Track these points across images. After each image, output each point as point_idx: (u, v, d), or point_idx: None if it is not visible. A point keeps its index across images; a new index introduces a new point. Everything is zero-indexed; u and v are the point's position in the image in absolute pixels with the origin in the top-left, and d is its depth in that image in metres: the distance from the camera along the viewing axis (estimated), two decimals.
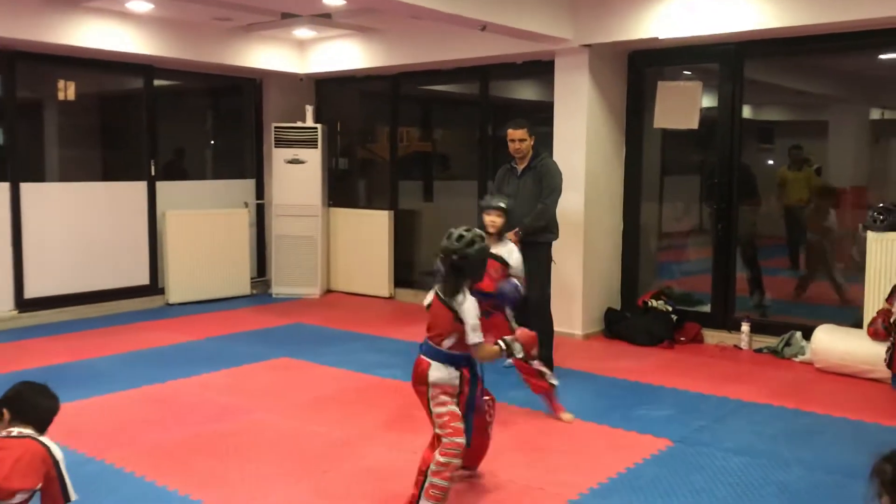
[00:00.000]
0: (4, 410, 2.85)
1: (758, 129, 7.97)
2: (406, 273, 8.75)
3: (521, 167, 5.62)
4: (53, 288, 7.43)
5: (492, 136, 7.99)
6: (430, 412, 3.41)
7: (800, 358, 6.02)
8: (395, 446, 4.22)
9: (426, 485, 3.29)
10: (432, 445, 3.43)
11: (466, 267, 3.38)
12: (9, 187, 7.12)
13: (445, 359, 3.38)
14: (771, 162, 7.90)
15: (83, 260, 7.64)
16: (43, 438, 2.83)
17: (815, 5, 5.50)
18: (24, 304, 7.24)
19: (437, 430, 3.38)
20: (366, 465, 3.96)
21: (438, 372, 3.37)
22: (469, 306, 3.34)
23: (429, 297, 3.53)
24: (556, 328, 5.76)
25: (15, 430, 2.81)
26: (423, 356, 3.43)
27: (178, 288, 8.21)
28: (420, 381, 3.42)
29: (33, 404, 2.91)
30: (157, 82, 8.16)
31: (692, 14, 5.99)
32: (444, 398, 3.37)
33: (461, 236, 3.40)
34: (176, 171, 8.68)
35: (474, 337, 3.33)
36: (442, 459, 3.29)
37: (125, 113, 8.68)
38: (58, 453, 2.81)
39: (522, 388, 5.27)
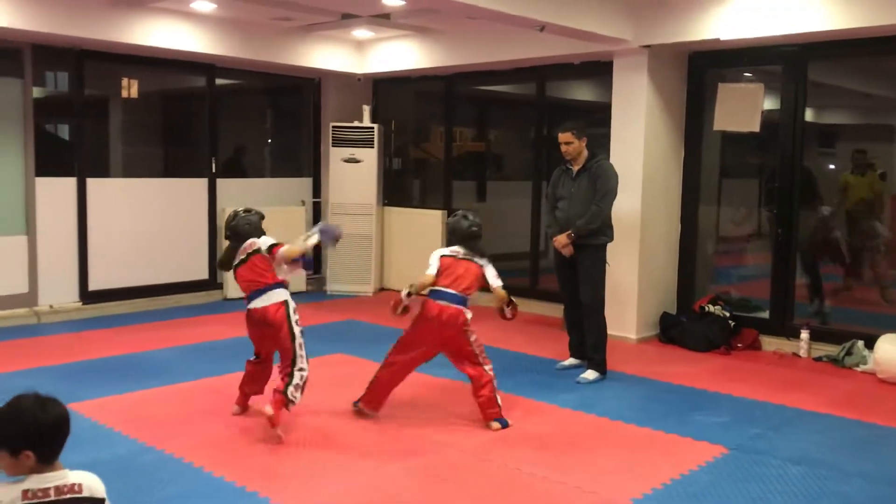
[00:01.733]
0: (28, 453, 2.10)
1: (820, 132, 7.79)
2: None
3: (576, 168, 5.60)
4: (116, 281, 7.64)
5: (547, 136, 7.96)
6: (470, 347, 4.48)
7: (861, 368, 5.88)
8: (447, 444, 4.24)
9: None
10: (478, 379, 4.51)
11: (480, 235, 4.73)
12: (75, 182, 7.35)
13: (467, 304, 4.53)
14: (832, 166, 7.71)
15: (145, 254, 7.83)
16: (88, 482, 2.21)
17: (882, 6, 5.36)
18: (88, 296, 7.46)
19: (480, 359, 4.51)
20: (419, 463, 3.99)
21: (469, 314, 4.50)
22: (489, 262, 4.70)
23: (440, 256, 4.69)
24: (609, 331, 5.72)
25: (57, 482, 2.14)
26: (449, 303, 4.44)
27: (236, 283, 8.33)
28: (453, 324, 4.43)
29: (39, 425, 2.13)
30: (218, 81, 8.33)
31: (755, 15, 5.88)
32: (473, 330, 4.51)
33: (471, 216, 4.76)
34: (236, 169, 8.84)
35: (498, 281, 4.64)
36: (492, 374, 4.53)
37: (187, 111, 8.86)
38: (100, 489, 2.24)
39: (574, 391, 5.27)
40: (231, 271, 4.66)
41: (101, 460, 3.90)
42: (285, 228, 8.62)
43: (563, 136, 5.53)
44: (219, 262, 4.90)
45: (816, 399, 5.16)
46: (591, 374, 5.52)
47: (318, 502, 3.53)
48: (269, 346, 4.58)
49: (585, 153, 5.57)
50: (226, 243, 4.74)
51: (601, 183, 5.48)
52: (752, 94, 6.61)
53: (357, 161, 8.83)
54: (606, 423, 4.64)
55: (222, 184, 8.40)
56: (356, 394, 5.05)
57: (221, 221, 8.32)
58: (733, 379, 5.63)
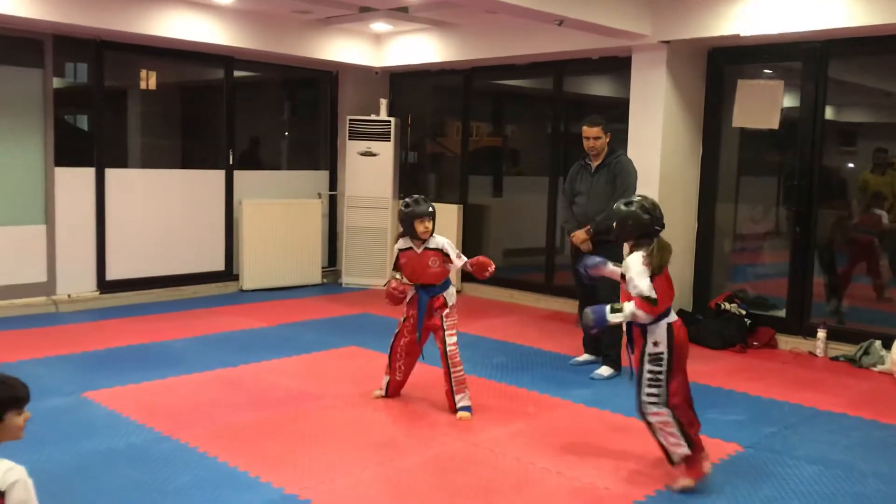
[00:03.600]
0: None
1: (840, 130, 7.71)
2: None
3: (594, 164, 5.57)
4: (134, 271, 7.69)
5: (564, 132, 7.93)
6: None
7: (878, 368, 5.83)
8: (461, 437, 4.25)
9: None
10: None
11: None
12: (94, 172, 7.39)
13: None
14: (852, 165, 7.64)
15: (162, 245, 7.88)
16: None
17: None
18: (105, 285, 7.51)
19: None
20: (432, 455, 4.00)
21: None
22: None
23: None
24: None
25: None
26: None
27: (252, 275, 8.40)
28: None
29: None
30: (236, 73, 8.35)
31: (775, 11, 5.83)
32: None
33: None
34: (252, 161, 8.88)
35: None
36: None
37: (205, 103, 8.90)
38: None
39: (589, 387, 5.26)
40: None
41: (116, 449, 3.94)
42: (301, 220, 8.73)
43: (593, 131, 5.49)
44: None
45: (832, 399, 5.12)
46: (605, 371, 5.50)
47: (330, 493, 3.55)
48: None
49: (606, 149, 5.56)
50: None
51: (621, 179, 5.46)
52: (771, 91, 6.57)
53: (373, 154, 8.84)
54: (620, 419, 4.63)
55: (239, 176, 8.43)
56: (369, 386, 5.05)
57: (237, 213, 8.36)
58: (749, 377, 5.60)
